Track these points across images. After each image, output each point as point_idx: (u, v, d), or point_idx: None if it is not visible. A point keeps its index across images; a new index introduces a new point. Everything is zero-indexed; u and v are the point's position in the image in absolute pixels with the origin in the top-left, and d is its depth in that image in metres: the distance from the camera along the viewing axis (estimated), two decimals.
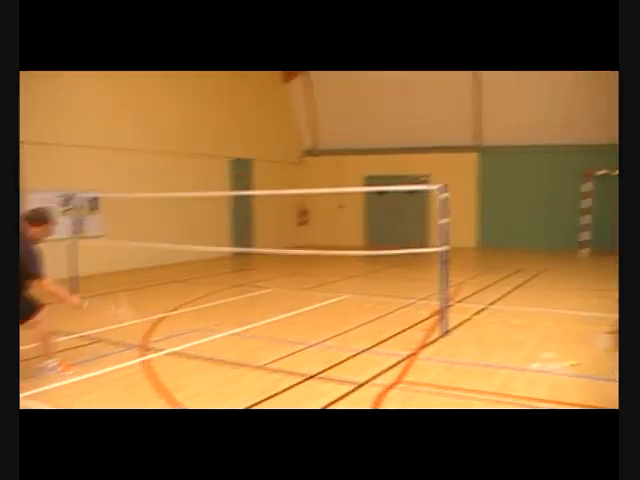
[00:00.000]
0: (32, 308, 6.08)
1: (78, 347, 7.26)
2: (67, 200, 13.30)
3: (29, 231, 5.99)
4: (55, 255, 12.54)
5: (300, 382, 5.81)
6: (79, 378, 6.11)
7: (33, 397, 5.51)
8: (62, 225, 13.28)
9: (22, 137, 12.76)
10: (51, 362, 6.28)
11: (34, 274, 5.87)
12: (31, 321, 6.08)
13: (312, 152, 22.02)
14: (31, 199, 13.15)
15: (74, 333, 7.98)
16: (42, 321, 6.22)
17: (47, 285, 6.01)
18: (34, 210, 6.26)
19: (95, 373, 6.27)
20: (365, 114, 20.13)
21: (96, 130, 14.51)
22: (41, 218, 6.14)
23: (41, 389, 5.76)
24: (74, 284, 11.44)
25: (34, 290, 6.03)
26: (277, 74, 20.48)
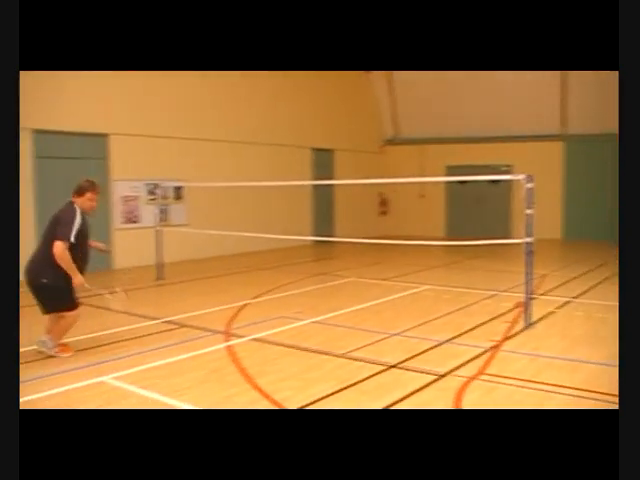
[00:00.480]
0: (69, 301, 6.42)
1: (163, 332, 7.49)
2: (152, 189, 13.70)
3: (76, 201, 6.44)
4: (142, 242, 13.04)
5: (381, 371, 5.83)
6: (165, 361, 6.32)
7: (119, 378, 5.75)
8: (148, 213, 13.75)
9: (108, 129, 13.38)
10: (49, 341, 6.47)
11: (57, 236, 6.20)
12: (62, 314, 6.44)
13: (393, 141, 21.89)
14: (118, 187, 13.66)
15: (159, 318, 8.24)
16: (69, 319, 6.50)
17: (57, 247, 6.17)
18: (79, 183, 6.60)
19: (180, 357, 6.47)
20: (447, 102, 19.84)
21: (181, 122, 14.89)
22: (80, 189, 6.50)
23: (127, 371, 5.98)
24: (160, 270, 11.81)
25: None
26: None
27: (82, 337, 7.26)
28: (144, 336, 7.31)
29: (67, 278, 6.26)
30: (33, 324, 6.64)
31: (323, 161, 19.20)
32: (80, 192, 6.48)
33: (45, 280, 6.30)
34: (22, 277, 6.15)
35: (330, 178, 18.83)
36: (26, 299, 5.84)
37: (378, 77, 20.91)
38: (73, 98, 12.83)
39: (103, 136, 13.56)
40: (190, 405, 4.97)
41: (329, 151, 19.52)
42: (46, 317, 6.59)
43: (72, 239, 6.22)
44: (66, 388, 5.49)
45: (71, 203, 6.46)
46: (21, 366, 6.15)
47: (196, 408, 4.90)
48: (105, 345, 7.00)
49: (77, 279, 6.30)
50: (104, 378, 5.75)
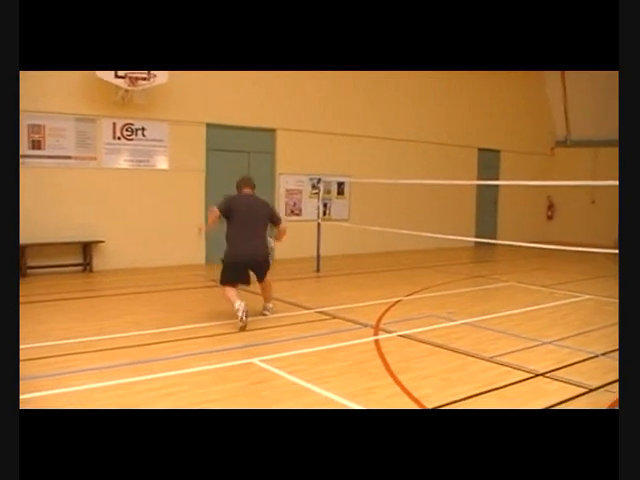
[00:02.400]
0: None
1: (316, 321, 7.71)
2: (316, 183, 14.08)
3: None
4: (303, 234, 13.45)
5: (527, 378, 5.65)
6: (313, 349, 6.51)
7: (267, 361, 6.01)
8: (311, 207, 14.16)
9: (277, 125, 13.96)
10: (270, 305, 8.24)
11: (278, 221, 8.23)
12: (267, 279, 8.04)
13: (565, 143, 20.95)
14: (282, 180, 14.20)
15: (312, 308, 8.48)
16: (270, 282, 8.21)
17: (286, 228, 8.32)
18: (251, 179, 8.46)
19: (328, 346, 6.64)
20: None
21: (345, 118, 15.19)
22: (251, 182, 8.32)
23: (275, 355, 6.24)
24: (319, 262, 12.15)
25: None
26: None
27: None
28: (296, 324, 7.58)
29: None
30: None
31: (489, 161, 18.78)
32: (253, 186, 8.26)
33: (268, 256, 7.99)
34: (246, 258, 7.68)
35: (495, 179, 18.39)
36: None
37: (551, 76, 20.09)
38: (243, 94, 13.48)
39: (271, 131, 14.12)
40: (330, 393, 5.11)
41: (495, 152, 19.06)
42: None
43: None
44: (217, 366, 5.83)
45: (253, 194, 8.20)
46: (170, 344, 6.64)
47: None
48: (258, 329, 7.33)
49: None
50: (254, 360, 6.04)
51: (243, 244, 7.65)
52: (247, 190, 8.08)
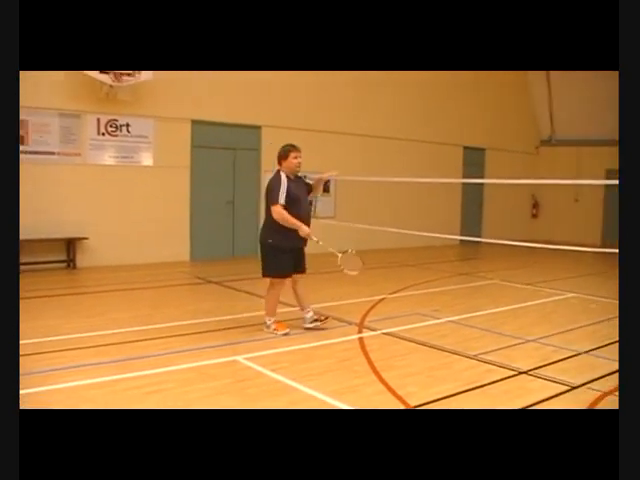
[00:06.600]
0: (279, 268, 7.02)
1: (300, 319, 7.68)
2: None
3: (282, 167, 7.07)
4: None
5: (510, 376, 5.68)
6: (297, 347, 6.53)
7: (251, 359, 6.01)
8: None
9: (262, 122, 13.89)
10: (267, 321, 7.14)
11: (271, 202, 6.87)
12: (271, 281, 7.12)
13: (549, 142, 21.07)
14: (268, 178, 14.19)
15: (296, 306, 8.45)
16: (273, 290, 7.09)
17: (274, 212, 6.82)
18: (279, 150, 7.19)
19: (313, 344, 6.66)
20: (607, 101, 18.75)
21: (329, 115, 15.21)
22: (282, 153, 7.10)
23: (259, 353, 6.24)
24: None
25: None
26: None
27: (224, 317, 7.68)
28: (280, 321, 7.56)
29: (290, 243, 6.96)
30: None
31: (474, 160, 18.86)
32: (284, 156, 7.07)
33: (270, 240, 6.97)
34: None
35: (481, 177, 18.45)
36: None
37: (536, 75, 20.18)
38: (229, 91, 13.45)
39: (256, 128, 14.11)
40: (314, 391, 5.11)
41: (481, 150, 19.14)
42: None
43: (282, 201, 6.80)
44: (202, 364, 5.82)
45: (277, 171, 7.06)
46: (155, 341, 6.62)
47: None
48: (243, 327, 7.33)
49: (302, 230, 6.88)
50: (238, 357, 6.04)
51: None
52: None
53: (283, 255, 6.97)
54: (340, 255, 7.17)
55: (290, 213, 6.81)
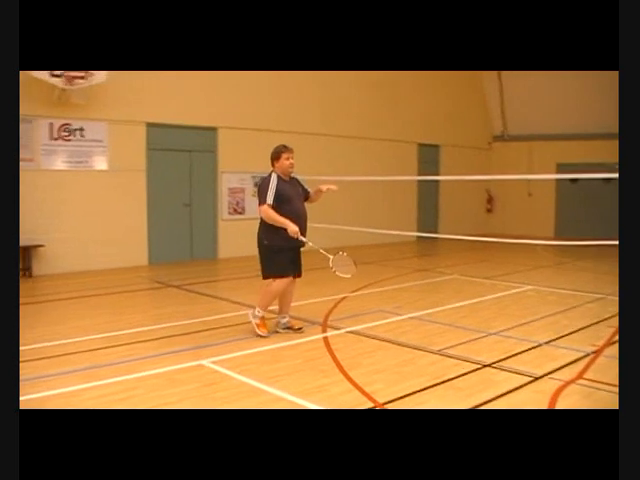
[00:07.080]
0: (278, 268, 7.00)
1: (273, 318, 7.67)
2: (258, 181, 14.06)
3: (275, 167, 7.08)
4: (247, 233, 13.38)
5: (475, 370, 5.79)
6: (262, 348, 6.53)
7: (217, 362, 6.00)
8: (254, 205, 14.13)
9: (218, 123, 13.84)
10: (257, 310, 7.11)
11: (258, 201, 6.94)
12: (270, 280, 7.06)
13: (502, 137, 21.43)
14: (225, 179, 14.19)
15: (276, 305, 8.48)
16: (273, 287, 7.04)
17: (260, 212, 6.90)
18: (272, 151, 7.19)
19: (278, 345, 6.67)
20: (557, 98, 19.17)
21: (287, 116, 15.21)
22: (275, 154, 7.10)
23: (225, 356, 6.23)
24: None
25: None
26: None
27: (187, 322, 7.64)
28: (244, 324, 7.54)
29: (285, 242, 6.90)
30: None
31: (429, 157, 19.07)
32: (276, 157, 7.07)
33: (266, 242, 6.99)
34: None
35: (436, 174, 18.71)
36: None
37: (488, 74, 20.51)
38: (183, 93, 13.36)
39: (212, 129, 14.04)
40: (282, 392, 5.13)
41: (435, 147, 19.37)
42: None
43: (270, 201, 6.82)
44: (168, 369, 5.78)
45: (270, 173, 7.07)
46: (120, 348, 6.56)
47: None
48: (207, 330, 7.30)
49: (290, 228, 6.81)
50: (203, 361, 6.01)
51: None
52: None
53: (279, 254, 6.97)
54: (332, 257, 7.23)
55: (281, 213, 6.82)
